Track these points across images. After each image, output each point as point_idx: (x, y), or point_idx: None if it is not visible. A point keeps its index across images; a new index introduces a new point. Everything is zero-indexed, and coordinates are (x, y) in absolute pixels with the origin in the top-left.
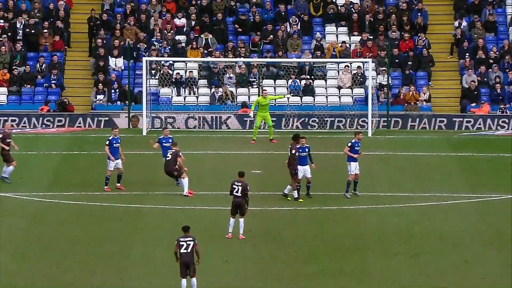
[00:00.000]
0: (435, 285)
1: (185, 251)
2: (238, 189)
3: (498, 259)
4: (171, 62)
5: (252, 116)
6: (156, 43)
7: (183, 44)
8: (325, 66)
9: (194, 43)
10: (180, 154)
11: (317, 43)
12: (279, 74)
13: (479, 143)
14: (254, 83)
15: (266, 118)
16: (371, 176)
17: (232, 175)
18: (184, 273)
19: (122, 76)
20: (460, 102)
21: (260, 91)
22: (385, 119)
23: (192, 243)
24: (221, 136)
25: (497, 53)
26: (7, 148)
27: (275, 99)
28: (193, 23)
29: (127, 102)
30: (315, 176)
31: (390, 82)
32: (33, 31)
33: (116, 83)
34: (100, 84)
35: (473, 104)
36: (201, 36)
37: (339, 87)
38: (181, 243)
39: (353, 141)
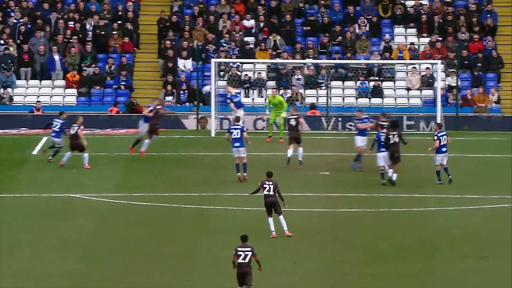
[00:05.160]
0: None
1: (243, 261)
2: (270, 188)
3: None
4: (239, 63)
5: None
6: (224, 45)
7: (252, 46)
8: (394, 67)
9: (263, 44)
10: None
11: (385, 45)
12: (348, 76)
13: None
14: (322, 85)
15: (279, 116)
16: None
17: (301, 175)
18: (241, 283)
19: (190, 77)
20: None
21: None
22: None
23: (250, 253)
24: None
25: None
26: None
27: (282, 103)
28: (261, 24)
29: (195, 103)
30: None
31: (459, 84)
32: (102, 32)
33: (184, 84)
34: (169, 85)
35: None
36: (270, 37)
37: (408, 89)
38: (238, 252)
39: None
